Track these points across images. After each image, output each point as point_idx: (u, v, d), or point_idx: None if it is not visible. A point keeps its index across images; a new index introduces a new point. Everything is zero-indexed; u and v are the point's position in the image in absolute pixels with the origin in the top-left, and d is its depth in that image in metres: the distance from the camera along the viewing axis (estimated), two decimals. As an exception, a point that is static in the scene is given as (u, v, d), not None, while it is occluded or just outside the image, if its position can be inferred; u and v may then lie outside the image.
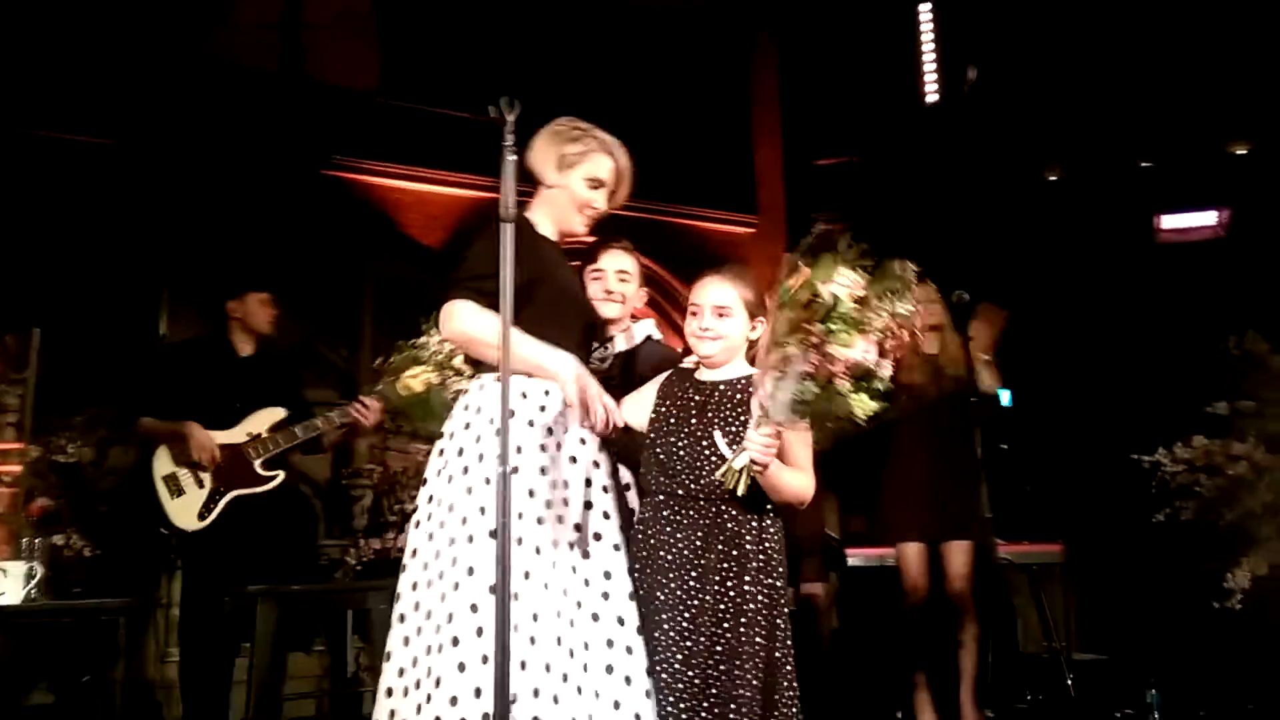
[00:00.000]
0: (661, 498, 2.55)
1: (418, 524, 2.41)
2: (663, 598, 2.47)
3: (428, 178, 7.97)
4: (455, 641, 2.13)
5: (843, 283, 2.11)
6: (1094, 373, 7.34)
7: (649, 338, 3.19)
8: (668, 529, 2.52)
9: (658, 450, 2.57)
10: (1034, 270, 7.78)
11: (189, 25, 7.84)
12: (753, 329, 2.63)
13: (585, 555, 2.37)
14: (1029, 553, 5.56)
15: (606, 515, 2.45)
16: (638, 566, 2.53)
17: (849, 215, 9.21)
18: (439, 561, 2.27)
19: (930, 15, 9.22)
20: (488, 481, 2.25)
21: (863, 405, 2.13)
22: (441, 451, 2.42)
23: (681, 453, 2.55)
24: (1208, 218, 7.92)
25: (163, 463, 3.84)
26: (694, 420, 2.57)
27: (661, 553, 2.51)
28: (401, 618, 2.34)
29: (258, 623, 3.73)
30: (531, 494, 2.30)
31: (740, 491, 2.41)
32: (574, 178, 2.59)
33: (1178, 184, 8.00)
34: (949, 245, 7.93)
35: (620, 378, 3.01)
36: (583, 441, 2.45)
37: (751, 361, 2.61)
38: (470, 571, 2.19)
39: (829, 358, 2.10)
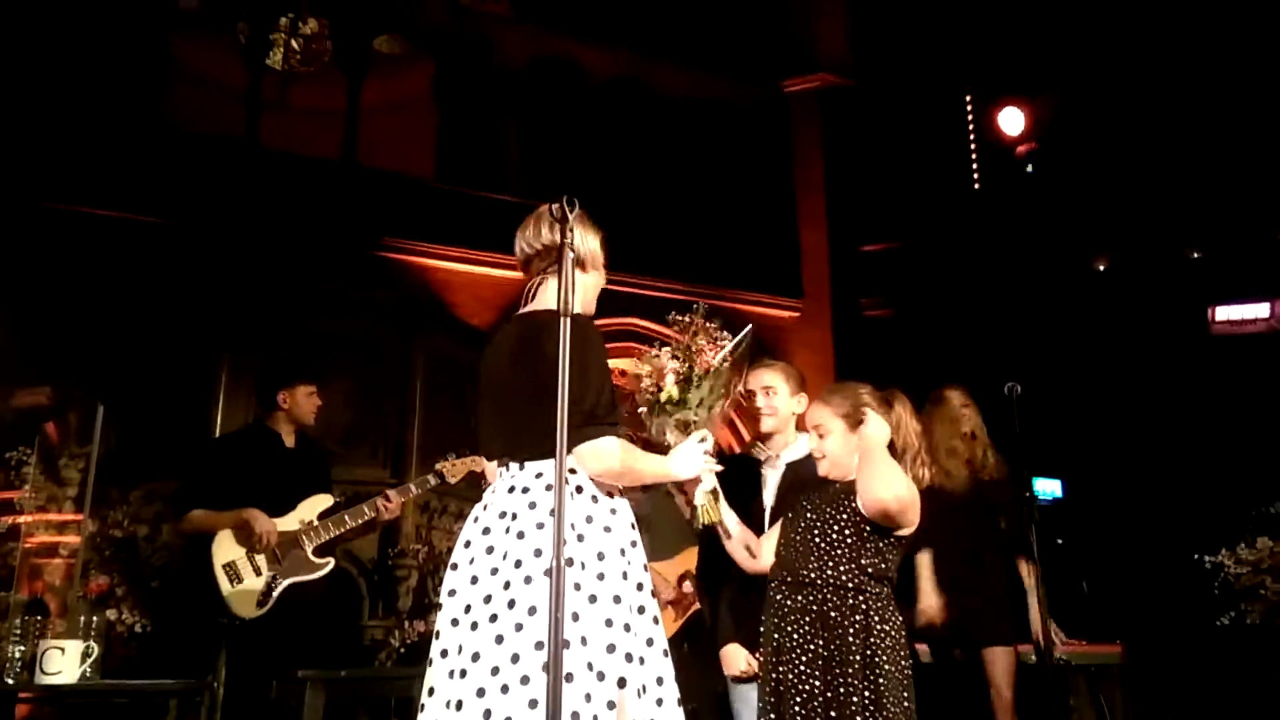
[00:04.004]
0: (774, 583, 2.76)
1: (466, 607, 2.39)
2: (784, 680, 2.64)
3: (478, 260, 8.14)
4: (525, 680, 2.17)
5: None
6: (1151, 467, 7.20)
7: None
8: (781, 613, 2.71)
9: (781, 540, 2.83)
10: (1086, 360, 7.72)
11: (252, 113, 8.19)
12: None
13: (642, 661, 2.37)
14: (1087, 653, 5.37)
15: (655, 620, 2.46)
16: (770, 649, 2.70)
17: (894, 300, 9.26)
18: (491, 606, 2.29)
19: (975, 103, 9.36)
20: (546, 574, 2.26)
21: (667, 390, 2.77)
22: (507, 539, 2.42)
23: (796, 539, 2.78)
24: (1261, 310, 7.84)
25: (222, 550, 3.87)
26: (795, 510, 2.87)
27: (777, 636, 2.69)
28: (444, 652, 2.35)
29: (306, 708, 3.72)
30: (617, 599, 2.34)
31: (704, 520, 2.80)
32: (600, 266, 2.66)
33: (1229, 275, 7.94)
34: (997, 333, 7.92)
35: (785, 486, 3.21)
36: (634, 544, 2.47)
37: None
38: (532, 611, 2.22)
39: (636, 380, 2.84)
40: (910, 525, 2.70)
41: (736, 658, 3.12)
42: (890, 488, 2.64)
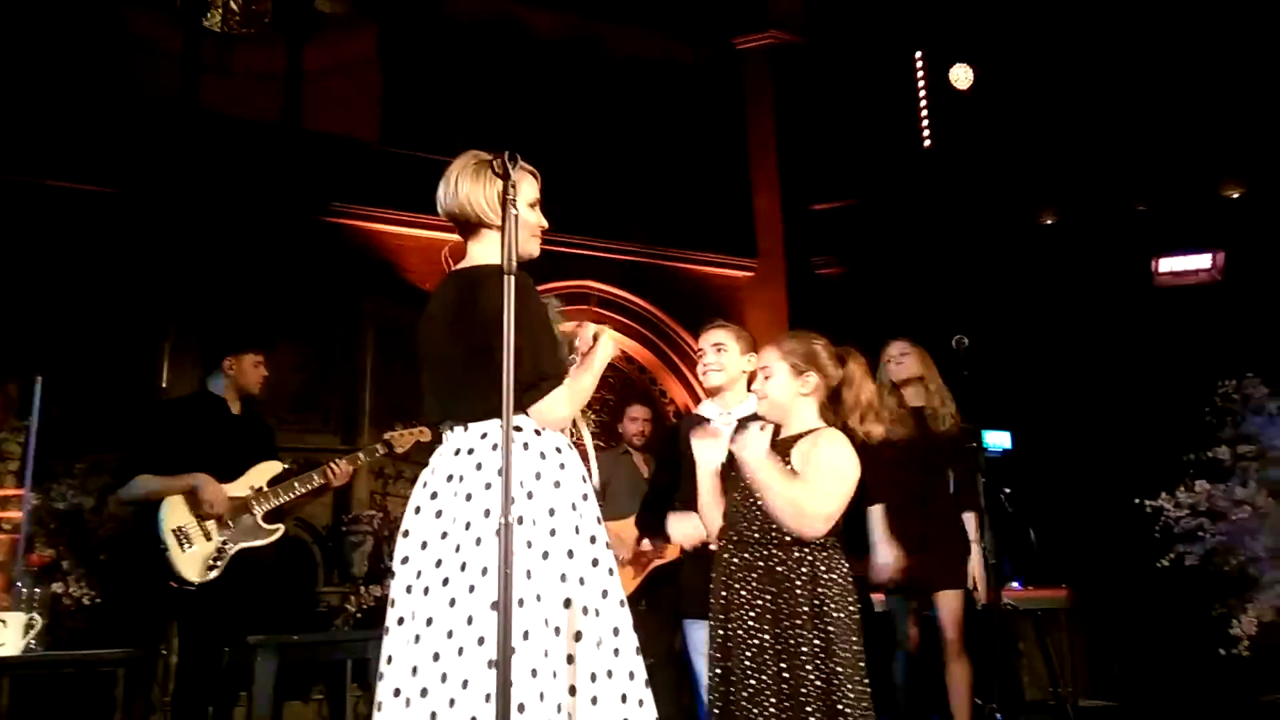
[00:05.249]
0: (722, 541, 2.78)
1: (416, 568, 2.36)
2: (733, 636, 2.66)
3: (427, 224, 8.01)
4: (481, 641, 2.16)
5: None
6: (1095, 416, 7.35)
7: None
8: (729, 571, 2.72)
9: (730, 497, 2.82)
10: (1033, 314, 7.83)
11: (191, 77, 7.99)
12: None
13: (597, 614, 2.36)
14: (1034, 598, 5.52)
15: (611, 571, 2.43)
16: (719, 606, 2.71)
17: (846, 258, 9.30)
18: (444, 571, 2.26)
19: (924, 62, 9.38)
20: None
21: None
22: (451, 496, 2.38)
23: (739, 498, 2.77)
24: (1203, 260, 7.98)
25: (172, 515, 3.82)
26: (738, 469, 2.83)
27: (725, 594, 2.71)
28: (400, 620, 2.32)
29: (256, 673, 3.70)
30: (570, 554, 2.33)
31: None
32: (522, 208, 2.43)
33: (1173, 227, 8.07)
34: (947, 289, 8.01)
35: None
36: (585, 498, 2.45)
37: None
38: (485, 572, 2.21)
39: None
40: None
41: (684, 524, 3.15)
42: (829, 505, 2.62)
